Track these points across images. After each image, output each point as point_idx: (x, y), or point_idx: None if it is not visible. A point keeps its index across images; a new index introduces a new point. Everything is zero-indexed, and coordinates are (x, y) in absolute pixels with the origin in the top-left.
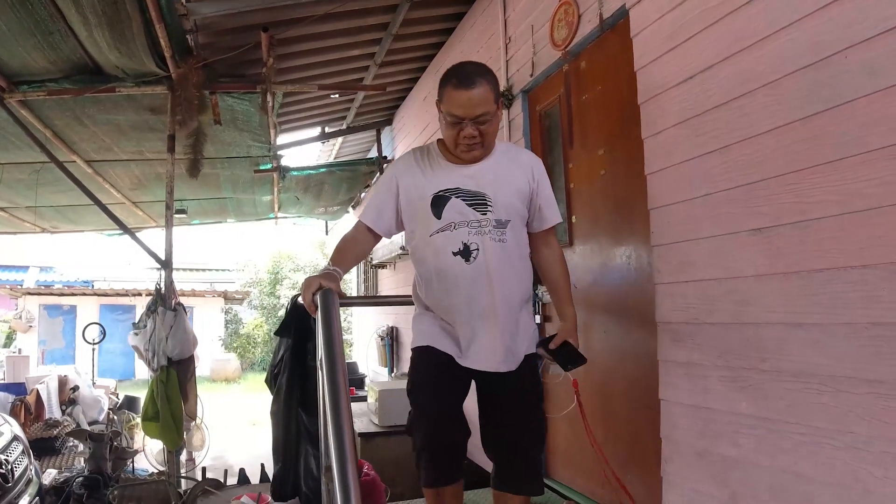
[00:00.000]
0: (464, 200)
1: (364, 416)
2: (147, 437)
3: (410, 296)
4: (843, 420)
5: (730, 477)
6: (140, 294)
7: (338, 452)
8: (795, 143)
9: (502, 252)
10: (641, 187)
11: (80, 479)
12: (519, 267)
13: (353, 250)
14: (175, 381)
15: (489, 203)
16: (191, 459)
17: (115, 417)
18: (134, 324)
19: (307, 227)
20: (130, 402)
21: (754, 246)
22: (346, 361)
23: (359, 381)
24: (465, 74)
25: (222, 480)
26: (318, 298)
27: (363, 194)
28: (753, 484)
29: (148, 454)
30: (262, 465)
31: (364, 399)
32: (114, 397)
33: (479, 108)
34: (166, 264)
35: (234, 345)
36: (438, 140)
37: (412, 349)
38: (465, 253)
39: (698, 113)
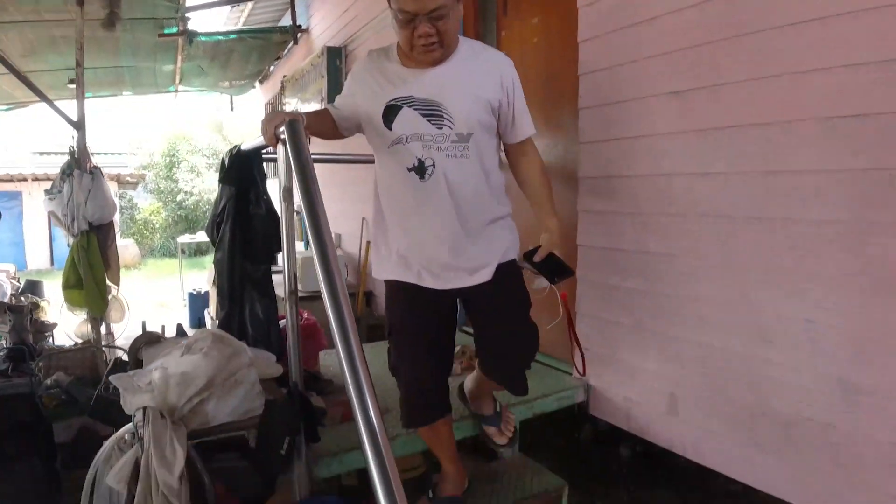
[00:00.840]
0: (416, 110)
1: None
2: (65, 309)
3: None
4: (734, 251)
5: (636, 306)
6: (25, 179)
7: (324, 270)
8: (715, 17)
9: (461, 168)
10: (573, 55)
11: (4, 352)
12: (484, 182)
13: (327, 121)
14: (96, 246)
15: (445, 115)
16: (110, 333)
17: (23, 299)
18: (47, 190)
19: (207, 103)
20: (33, 286)
21: (672, 107)
22: None
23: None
24: None
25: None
26: (282, 131)
27: (272, 67)
28: (655, 310)
29: (66, 329)
30: (179, 325)
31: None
32: (15, 282)
33: (433, 1)
34: (79, 126)
35: (131, 231)
36: (398, 43)
37: (384, 281)
38: (420, 170)
39: None
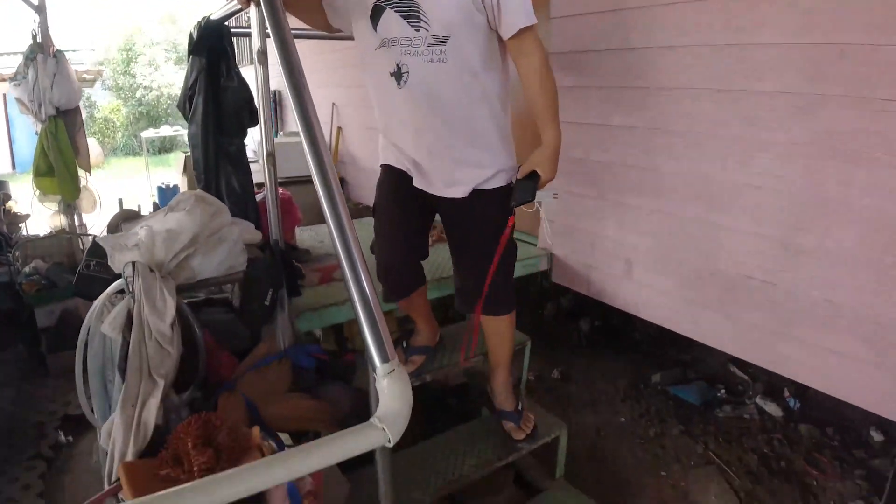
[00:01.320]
0: (398, 12)
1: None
2: (36, 203)
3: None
4: (694, 123)
5: (600, 178)
6: None
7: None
8: None
9: (437, 74)
10: None
11: None
12: (466, 90)
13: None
14: (64, 131)
15: (422, 16)
16: (83, 224)
17: None
18: (11, 77)
19: None
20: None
21: None
22: None
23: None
24: None
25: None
26: None
27: None
28: (619, 181)
29: (40, 221)
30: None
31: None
32: None
33: None
34: (40, 9)
35: (91, 130)
36: None
37: (380, 165)
38: (398, 75)
39: None
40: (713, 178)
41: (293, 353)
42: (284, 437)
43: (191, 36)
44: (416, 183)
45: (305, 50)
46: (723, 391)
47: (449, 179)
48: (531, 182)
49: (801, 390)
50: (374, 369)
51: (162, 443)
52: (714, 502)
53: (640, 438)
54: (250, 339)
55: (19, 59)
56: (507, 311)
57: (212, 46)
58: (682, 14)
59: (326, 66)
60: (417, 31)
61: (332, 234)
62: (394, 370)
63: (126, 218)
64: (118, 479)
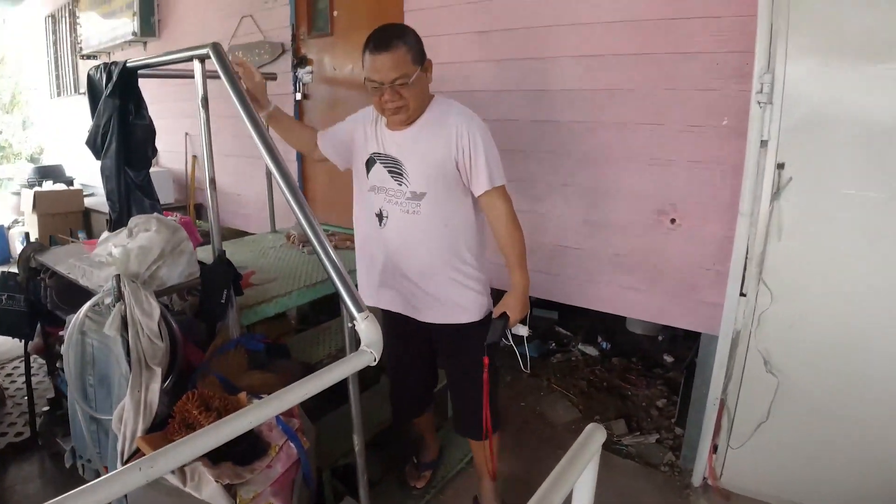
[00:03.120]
0: (384, 167)
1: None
2: None
3: None
4: (522, 146)
5: None
6: None
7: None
8: None
9: (412, 224)
10: None
11: None
12: (437, 239)
13: (293, 123)
14: None
15: (404, 174)
16: None
17: None
18: None
19: None
20: None
21: (478, 42)
22: (51, 164)
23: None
24: (380, 38)
25: None
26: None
27: None
28: None
29: None
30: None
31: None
32: None
33: (395, 71)
34: None
35: None
36: None
37: None
38: (380, 217)
39: None
40: (535, 180)
41: (245, 340)
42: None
43: (92, 80)
44: (417, 316)
45: (154, 83)
46: (553, 344)
47: (421, 305)
48: (501, 322)
49: (610, 335)
50: (352, 318)
51: (158, 423)
52: (562, 415)
53: (502, 385)
54: (207, 333)
55: None
56: (475, 437)
57: (126, 89)
58: (507, 66)
59: (177, 97)
60: (399, 185)
61: (302, 224)
62: (368, 316)
63: (36, 250)
64: (136, 451)
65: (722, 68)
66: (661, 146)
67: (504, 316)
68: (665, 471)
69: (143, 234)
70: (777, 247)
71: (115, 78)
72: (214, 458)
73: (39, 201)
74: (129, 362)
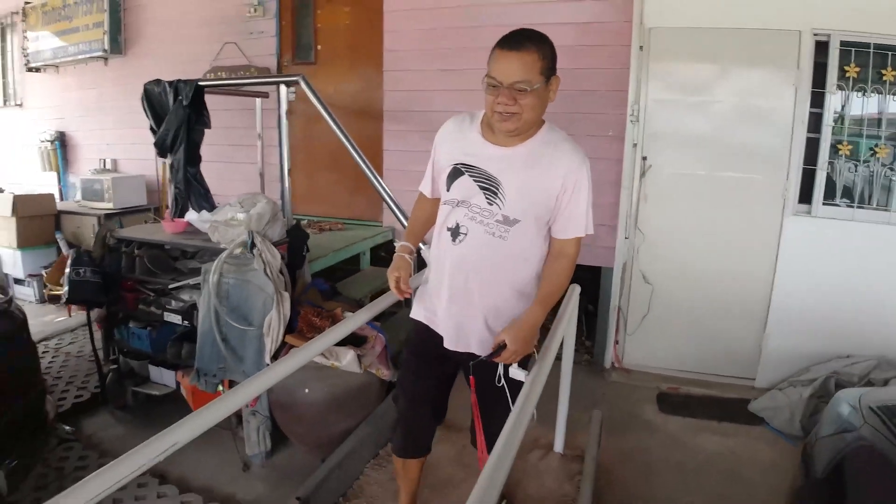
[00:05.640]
0: (475, 181)
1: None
2: None
3: None
4: None
5: None
6: None
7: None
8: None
9: (493, 249)
10: (379, 38)
11: None
12: (514, 270)
13: (419, 220)
14: None
15: (500, 194)
16: None
17: None
18: None
19: None
20: None
21: (441, 77)
22: None
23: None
24: (515, 37)
25: None
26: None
27: None
28: None
29: None
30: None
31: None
32: None
33: (518, 74)
34: None
35: None
36: (485, 111)
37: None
38: (455, 232)
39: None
40: None
41: (316, 283)
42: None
43: (150, 92)
44: (446, 343)
45: (125, 95)
46: None
47: (462, 336)
48: (497, 352)
49: None
50: (420, 246)
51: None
52: None
53: None
54: (290, 277)
55: None
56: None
57: (194, 101)
58: (464, 96)
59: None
60: (490, 205)
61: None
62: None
63: (111, 230)
64: (282, 346)
65: (608, 100)
66: None
67: (502, 346)
68: (584, 363)
69: (258, 204)
70: (644, 206)
71: (187, 93)
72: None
73: (20, 205)
74: (273, 291)
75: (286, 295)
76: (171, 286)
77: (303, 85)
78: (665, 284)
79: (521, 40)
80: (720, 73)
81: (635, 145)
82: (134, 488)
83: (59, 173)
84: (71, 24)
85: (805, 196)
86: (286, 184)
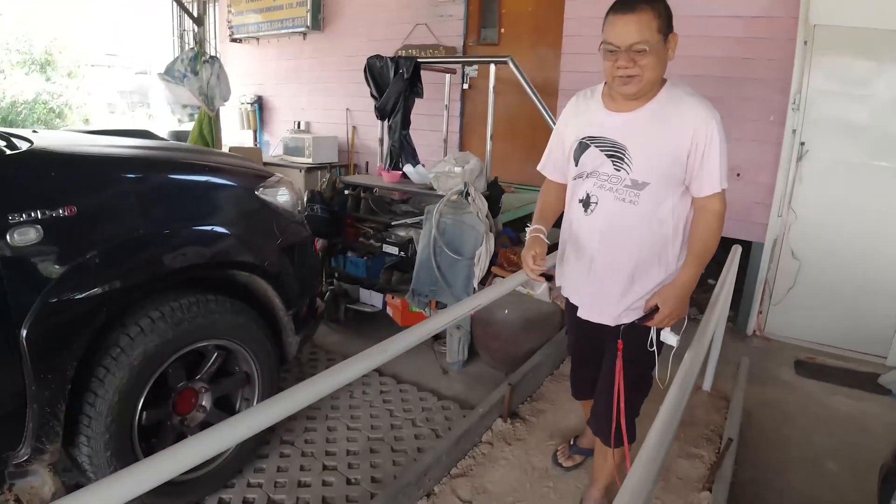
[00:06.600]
0: (602, 150)
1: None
2: None
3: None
4: None
5: None
6: None
7: None
8: None
9: (625, 213)
10: (559, 24)
11: None
12: (646, 233)
13: (547, 203)
14: (218, 119)
15: (627, 159)
16: None
17: None
18: (160, 74)
19: None
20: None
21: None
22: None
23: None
24: (628, 0)
25: None
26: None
27: None
28: None
29: None
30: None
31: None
32: None
33: (635, 35)
34: (199, 21)
35: None
36: (605, 82)
37: None
38: (586, 203)
39: None
40: None
41: (506, 231)
42: None
43: (372, 65)
44: (580, 313)
45: (321, 66)
46: None
47: (600, 307)
48: (649, 316)
49: None
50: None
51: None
52: None
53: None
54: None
55: None
56: (617, 445)
57: (412, 74)
58: None
59: (340, 79)
60: (618, 170)
61: None
62: None
63: (340, 176)
64: (488, 274)
65: (772, 88)
66: (733, 131)
67: (655, 310)
68: (726, 330)
69: (470, 161)
70: (799, 188)
71: (408, 67)
72: None
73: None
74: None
75: (492, 235)
76: (393, 223)
77: (511, 65)
78: (812, 261)
79: (635, 1)
80: (879, 70)
81: (794, 131)
82: (360, 379)
83: (255, 132)
84: (275, 2)
85: None
86: (488, 147)
